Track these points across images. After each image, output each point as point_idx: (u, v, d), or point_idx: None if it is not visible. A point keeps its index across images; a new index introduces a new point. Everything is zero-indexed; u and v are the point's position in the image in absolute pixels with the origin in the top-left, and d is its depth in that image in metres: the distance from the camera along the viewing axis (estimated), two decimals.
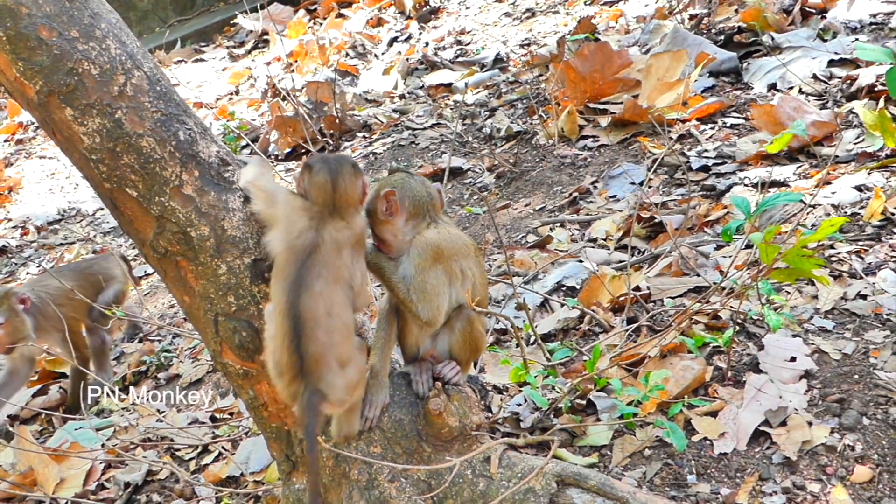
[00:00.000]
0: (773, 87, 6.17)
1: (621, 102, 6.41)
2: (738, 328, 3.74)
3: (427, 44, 10.37)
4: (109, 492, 4.38)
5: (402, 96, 9.06)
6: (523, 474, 2.95)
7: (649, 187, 5.43)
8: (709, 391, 3.48)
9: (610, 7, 9.42)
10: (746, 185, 5.00)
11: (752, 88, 6.28)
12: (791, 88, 6.02)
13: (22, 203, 9.72)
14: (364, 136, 8.12)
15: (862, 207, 4.41)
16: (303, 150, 8.07)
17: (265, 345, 2.80)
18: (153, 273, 6.64)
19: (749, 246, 3.88)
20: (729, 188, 5.06)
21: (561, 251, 5.13)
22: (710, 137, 5.81)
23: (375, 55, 10.67)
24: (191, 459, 4.45)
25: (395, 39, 11.00)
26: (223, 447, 4.34)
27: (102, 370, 5.55)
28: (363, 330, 3.07)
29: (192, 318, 3.05)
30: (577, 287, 4.58)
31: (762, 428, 3.24)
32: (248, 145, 8.10)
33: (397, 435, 3.01)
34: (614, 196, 5.62)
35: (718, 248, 4.51)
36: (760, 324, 3.76)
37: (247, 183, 2.94)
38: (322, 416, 2.73)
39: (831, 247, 4.16)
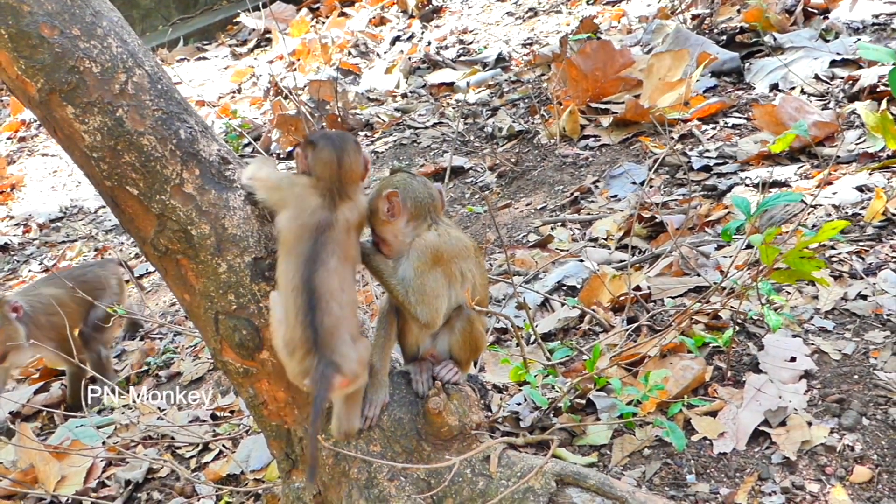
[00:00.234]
0: (774, 87, 6.17)
1: (623, 102, 6.41)
2: (738, 328, 3.74)
3: (429, 43, 10.37)
4: (110, 489, 4.38)
5: (404, 95, 9.06)
6: (523, 473, 2.95)
7: (650, 187, 5.44)
8: (708, 391, 3.48)
9: (612, 6, 9.42)
10: (748, 186, 5.00)
11: (754, 88, 6.28)
12: (793, 89, 6.02)
13: (24, 200, 9.73)
14: (366, 135, 8.12)
15: (863, 208, 4.41)
16: None
17: (273, 329, 2.81)
18: (154, 271, 6.63)
19: (750, 246, 3.88)
20: (730, 188, 5.06)
21: (562, 250, 5.13)
22: (712, 137, 5.81)
23: (378, 54, 10.67)
24: (191, 457, 4.45)
25: (397, 38, 10.99)
26: (224, 445, 4.35)
27: (106, 378, 5.46)
28: (363, 328, 3.07)
29: (192, 316, 3.05)
30: (578, 286, 4.58)
31: (762, 428, 3.25)
32: (250, 144, 8.12)
33: (397, 434, 3.02)
34: (615, 196, 5.62)
35: (719, 248, 4.51)
36: (760, 324, 3.76)
37: (247, 179, 2.96)
38: (333, 389, 2.70)
39: (832, 247, 4.16)
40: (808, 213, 4.42)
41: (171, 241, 2.86)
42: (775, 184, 4.91)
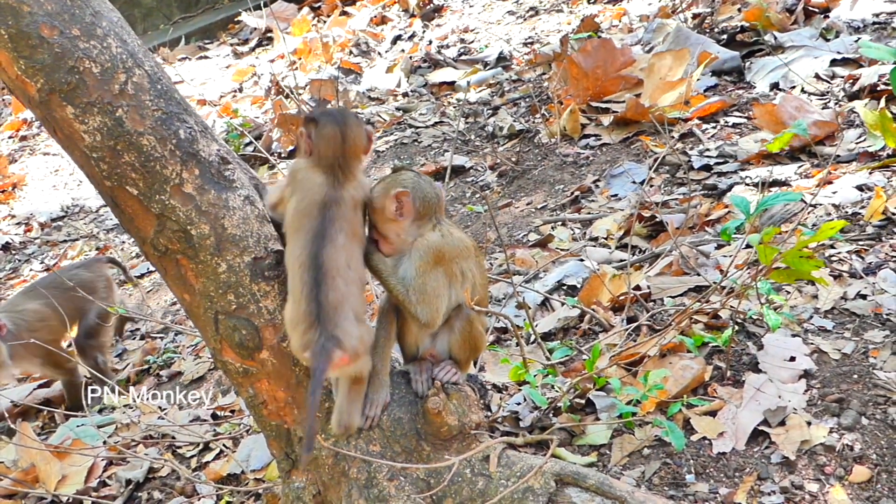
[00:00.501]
0: (775, 86, 6.17)
1: (624, 101, 6.41)
2: (737, 328, 3.74)
3: (430, 42, 10.37)
4: (111, 489, 4.39)
5: (405, 94, 9.06)
6: (522, 473, 2.95)
7: (651, 186, 5.44)
8: (708, 391, 3.48)
9: (613, 5, 9.41)
10: (748, 185, 4.99)
11: (755, 88, 6.28)
12: (793, 88, 6.02)
13: (25, 200, 9.74)
14: None
15: (863, 207, 4.41)
16: None
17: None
18: (155, 270, 6.63)
19: (749, 245, 3.88)
20: (730, 187, 5.05)
21: (562, 250, 5.13)
22: (712, 136, 5.81)
23: (379, 53, 10.67)
24: (192, 457, 4.45)
25: (398, 37, 10.99)
26: (224, 445, 4.35)
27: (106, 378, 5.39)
28: (367, 313, 3.08)
29: (192, 316, 3.06)
30: (578, 286, 4.58)
31: (761, 427, 3.25)
32: (251, 143, 8.12)
33: (396, 433, 3.02)
34: (616, 195, 5.62)
35: (719, 247, 4.51)
36: (760, 323, 3.76)
37: (270, 209, 3.03)
38: (332, 362, 2.70)
39: (832, 246, 4.15)
40: (808, 213, 4.42)
41: (170, 241, 2.87)
42: (775, 183, 4.91)
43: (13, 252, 8.55)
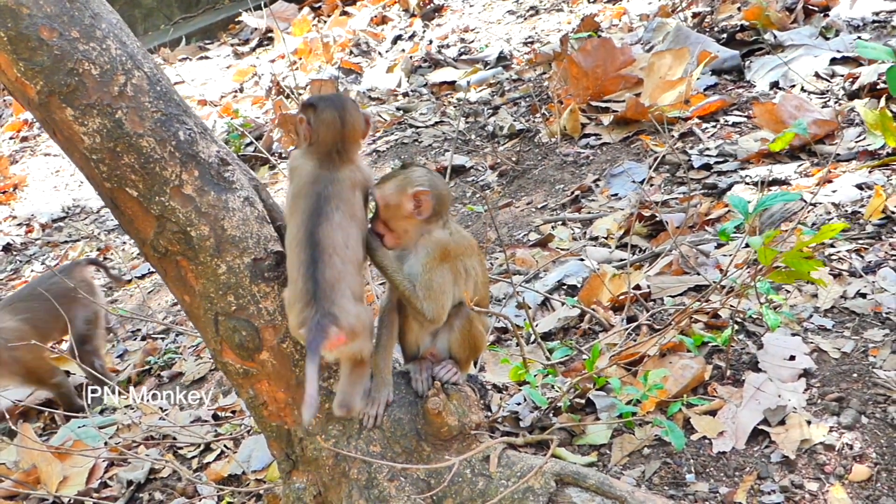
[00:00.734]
0: (775, 85, 6.17)
1: (624, 100, 6.41)
2: (737, 327, 3.74)
3: (431, 41, 10.36)
4: (112, 490, 4.40)
5: (405, 94, 9.06)
6: (522, 473, 2.96)
7: (651, 185, 5.44)
8: (708, 390, 3.48)
9: (613, 5, 9.41)
10: (748, 184, 5.00)
11: (755, 86, 6.28)
12: (793, 86, 6.02)
13: (27, 200, 9.75)
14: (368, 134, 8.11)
15: (862, 206, 4.41)
16: None
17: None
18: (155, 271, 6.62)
19: (749, 245, 3.88)
20: (730, 186, 5.05)
21: (562, 249, 5.13)
22: (712, 136, 5.81)
23: (379, 53, 10.66)
24: (193, 458, 4.46)
25: (398, 37, 10.98)
26: (225, 445, 4.36)
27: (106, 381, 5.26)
28: (366, 293, 3.08)
29: (192, 317, 3.06)
30: (579, 285, 4.59)
31: (761, 427, 3.25)
32: (251, 143, 8.12)
33: (396, 434, 3.03)
34: (616, 194, 5.62)
35: (719, 246, 4.51)
36: (760, 322, 3.76)
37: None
38: (328, 339, 2.68)
39: (831, 245, 4.16)
40: (808, 212, 4.42)
41: (170, 243, 2.87)
42: (775, 182, 4.91)
43: (14, 253, 8.56)
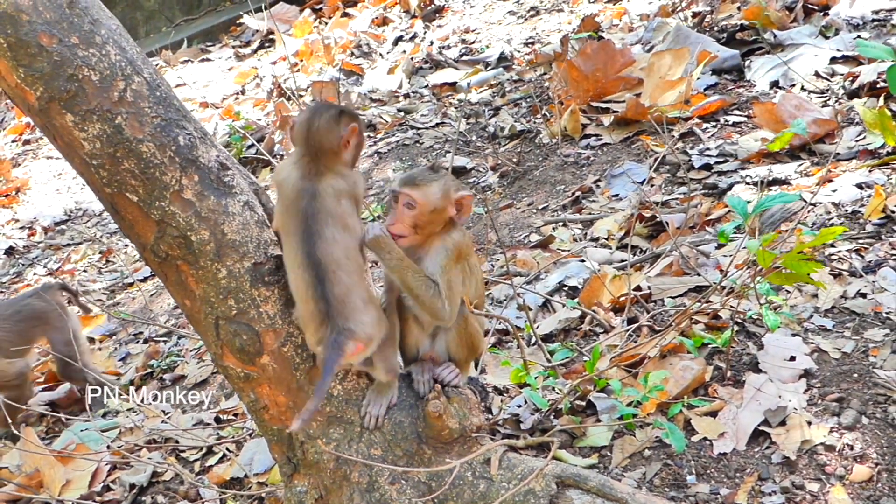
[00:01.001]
0: (775, 84, 6.16)
1: (624, 101, 6.42)
2: (737, 328, 3.74)
3: (432, 43, 10.36)
4: (115, 493, 4.40)
5: (406, 95, 9.06)
6: (523, 476, 2.97)
7: (651, 186, 5.44)
8: (708, 391, 3.49)
9: (613, 5, 9.41)
10: (748, 184, 5.00)
11: (755, 86, 6.28)
12: (793, 86, 6.02)
13: (29, 204, 9.77)
14: (369, 136, 8.12)
15: (862, 205, 4.41)
16: None
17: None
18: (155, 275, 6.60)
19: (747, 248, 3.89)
20: (731, 186, 5.05)
21: (563, 251, 5.14)
22: (712, 135, 5.81)
23: (380, 54, 10.67)
24: (195, 461, 4.46)
25: (399, 38, 10.99)
26: (227, 449, 4.37)
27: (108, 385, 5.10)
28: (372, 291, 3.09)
29: (193, 321, 3.06)
30: (579, 287, 4.59)
31: (761, 428, 3.26)
32: (253, 145, 8.12)
33: (398, 437, 3.03)
34: (617, 195, 5.62)
35: (719, 247, 4.51)
36: (760, 323, 3.76)
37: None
38: (346, 354, 2.72)
39: (831, 245, 4.15)
40: (808, 211, 4.42)
41: (170, 247, 2.88)
42: (775, 181, 4.91)
43: (17, 256, 8.57)
